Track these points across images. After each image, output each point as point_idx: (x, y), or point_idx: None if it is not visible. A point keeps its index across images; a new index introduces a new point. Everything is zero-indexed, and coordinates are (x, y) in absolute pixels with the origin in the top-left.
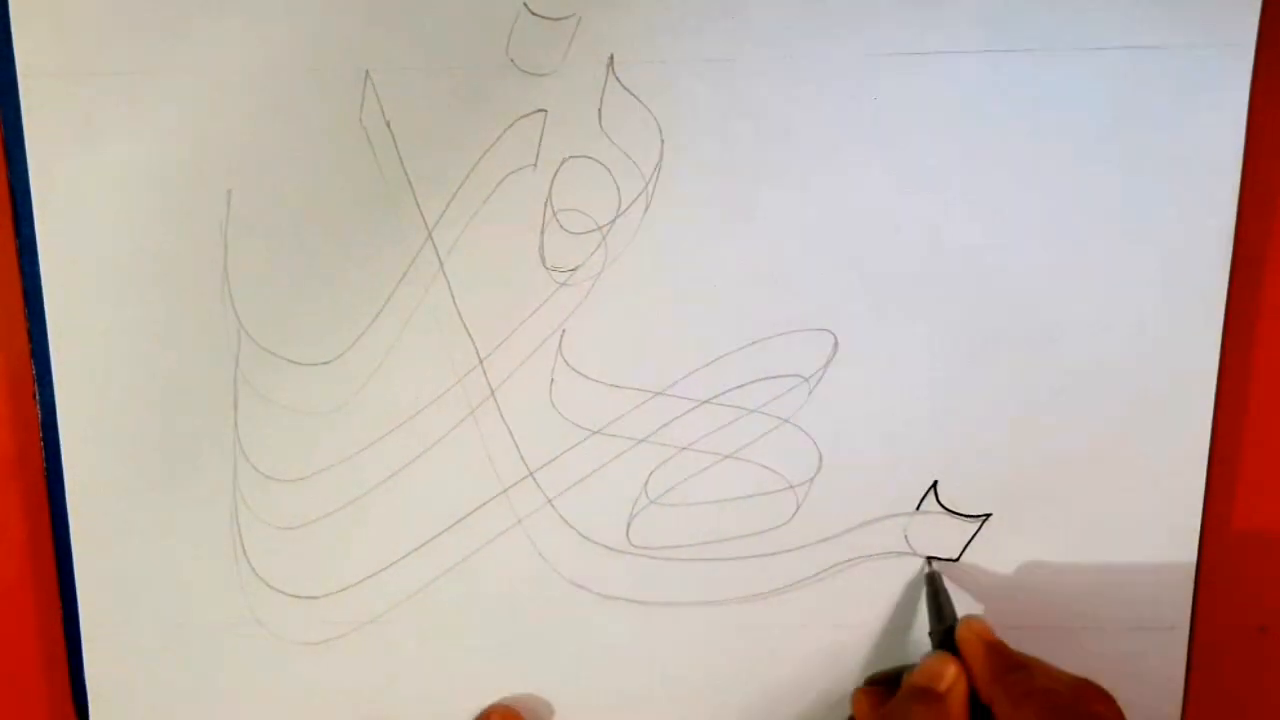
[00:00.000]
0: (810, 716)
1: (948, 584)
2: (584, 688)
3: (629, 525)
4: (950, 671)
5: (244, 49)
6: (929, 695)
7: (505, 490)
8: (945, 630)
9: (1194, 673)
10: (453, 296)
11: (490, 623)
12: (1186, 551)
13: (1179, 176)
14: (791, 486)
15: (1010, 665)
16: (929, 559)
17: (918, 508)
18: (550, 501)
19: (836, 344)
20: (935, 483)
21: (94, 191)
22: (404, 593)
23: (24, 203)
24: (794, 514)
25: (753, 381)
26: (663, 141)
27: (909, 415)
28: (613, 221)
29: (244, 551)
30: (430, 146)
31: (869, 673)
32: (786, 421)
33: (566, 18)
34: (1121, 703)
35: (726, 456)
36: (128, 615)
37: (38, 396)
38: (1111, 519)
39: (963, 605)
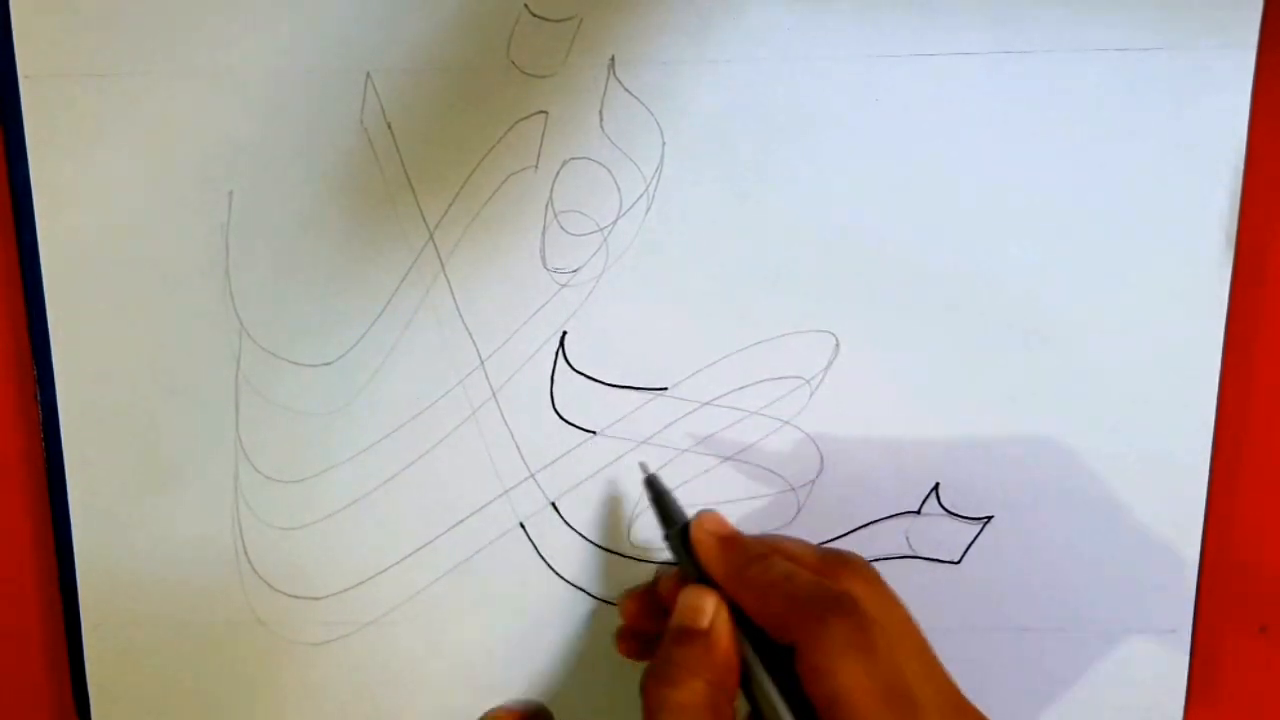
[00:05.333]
0: None
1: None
2: (584, 689)
3: (630, 527)
4: (709, 604)
5: (244, 49)
6: (690, 635)
7: (506, 491)
8: (679, 532)
9: (1194, 673)
10: (454, 298)
11: (490, 624)
12: (1187, 552)
13: (1180, 177)
14: (793, 488)
15: (749, 558)
16: (641, 464)
17: (919, 510)
18: (551, 503)
19: (838, 345)
20: (937, 484)
21: (95, 192)
22: (405, 594)
23: (25, 203)
24: (795, 516)
25: (754, 383)
26: (664, 143)
27: (911, 417)
28: (614, 223)
29: (245, 552)
30: (431, 148)
31: None
32: (788, 423)
33: (567, 19)
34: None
35: (728, 458)
36: (129, 615)
37: (39, 397)
38: (1112, 519)
39: (963, 606)
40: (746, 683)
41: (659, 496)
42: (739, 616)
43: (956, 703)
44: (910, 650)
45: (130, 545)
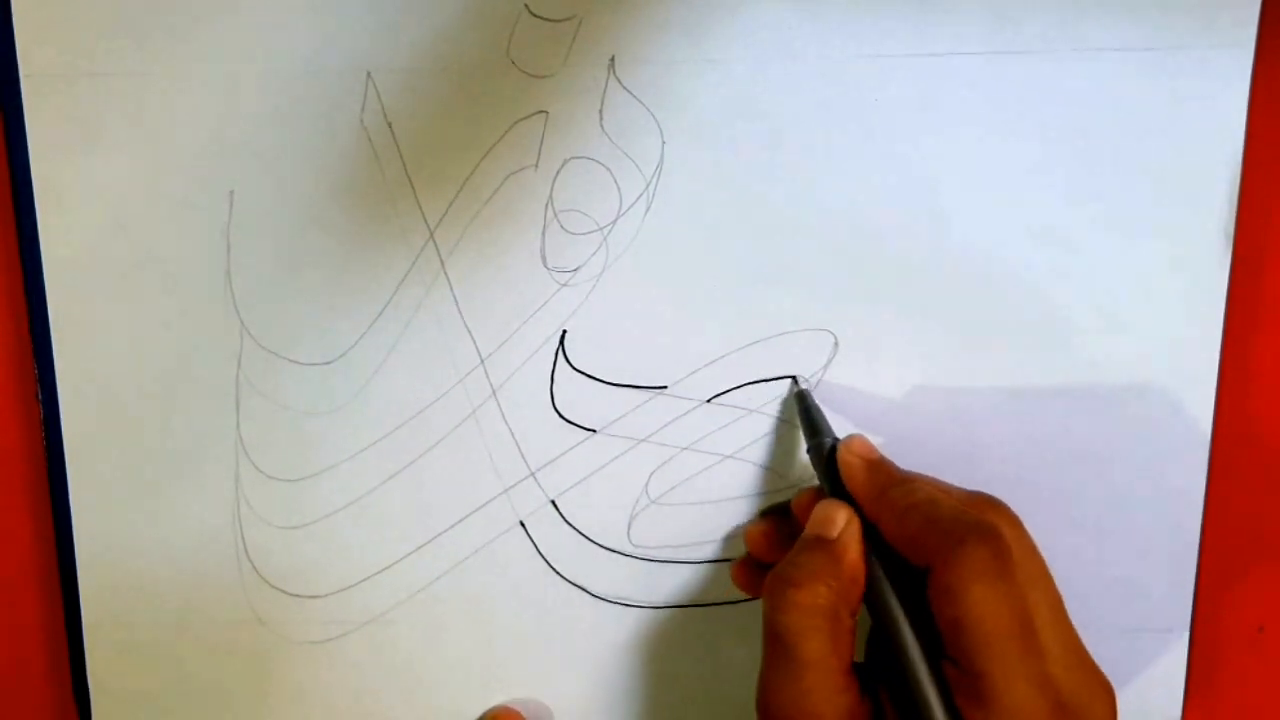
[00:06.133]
0: None
1: (819, 401)
2: (584, 688)
3: (630, 525)
4: (841, 516)
5: (244, 49)
6: (820, 543)
7: (506, 490)
8: (821, 446)
9: (1194, 673)
10: (454, 297)
11: (490, 623)
12: (1186, 551)
13: (1179, 176)
14: (793, 487)
15: (893, 481)
16: (794, 378)
17: None
18: (551, 502)
19: (837, 344)
20: None
21: (96, 192)
22: (405, 592)
23: (26, 202)
24: None
25: (754, 381)
26: (663, 142)
27: (909, 415)
28: (614, 222)
29: (245, 551)
30: (431, 147)
31: None
32: (787, 421)
33: (567, 19)
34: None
35: (727, 456)
36: (130, 615)
37: (40, 396)
38: (1111, 519)
39: None
40: (873, 601)
41: (807, 410)
42: (875, 538)
43: (1081, 657)
44: (1043, 597)
45: (130, 544)
